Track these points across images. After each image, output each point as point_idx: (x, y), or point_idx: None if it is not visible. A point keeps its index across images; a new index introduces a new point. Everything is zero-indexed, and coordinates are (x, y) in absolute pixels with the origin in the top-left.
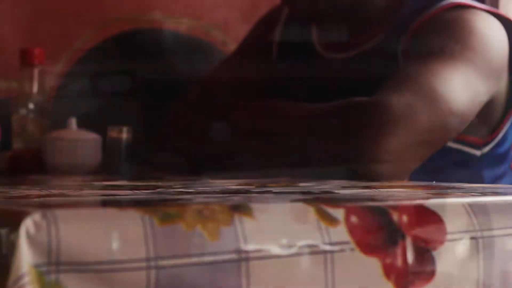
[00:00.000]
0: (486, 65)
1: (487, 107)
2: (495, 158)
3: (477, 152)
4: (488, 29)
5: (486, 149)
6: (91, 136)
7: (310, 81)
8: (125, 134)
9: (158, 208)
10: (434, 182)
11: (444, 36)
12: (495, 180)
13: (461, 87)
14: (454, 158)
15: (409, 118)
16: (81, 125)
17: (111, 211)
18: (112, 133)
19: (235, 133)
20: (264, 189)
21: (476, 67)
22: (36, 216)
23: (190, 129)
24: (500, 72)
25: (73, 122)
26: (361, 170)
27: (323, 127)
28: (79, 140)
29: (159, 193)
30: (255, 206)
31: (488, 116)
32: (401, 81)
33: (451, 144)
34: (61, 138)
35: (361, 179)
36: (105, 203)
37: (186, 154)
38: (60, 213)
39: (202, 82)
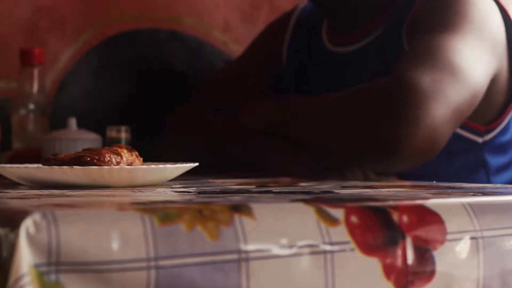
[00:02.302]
0: (489, 38)
1: (490, 90)
2: (498, 147)
3: (479, 139)
4: (486, 5)
5: (488, 136)
6: (91, 136)
7: (321, 78)
8: (124, 134)
9: (158, 208)
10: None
11: (447, 11)
12: (500, 170)
13: (473, 59)
14: (455, 144)
15: (437, 93)
16: (81, 125)
17: (111, 211)
18: (112, 133)
19: (245, 131)
20: (264, 189)
21: (481, 40)
22: (36, 216)
23: (196, 129)
24: (501, 47)
25: (73, 122)
26: (397, 152)
27: (350, 113)
28: (79, 140)
29: (159, 193)
30: (255, 206)
31: (490, 101)
32: (418, 56)
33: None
34: (61, 138)
35: (395, 162)
36: (105, 203)
37: (193, 154)
38: (60, 213)
39: (210, 83)
